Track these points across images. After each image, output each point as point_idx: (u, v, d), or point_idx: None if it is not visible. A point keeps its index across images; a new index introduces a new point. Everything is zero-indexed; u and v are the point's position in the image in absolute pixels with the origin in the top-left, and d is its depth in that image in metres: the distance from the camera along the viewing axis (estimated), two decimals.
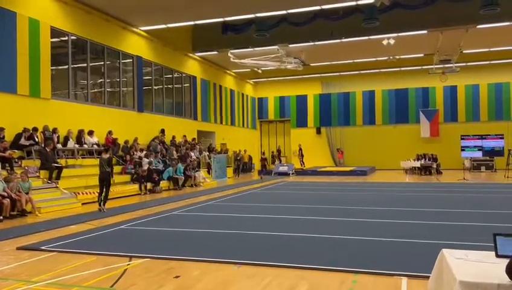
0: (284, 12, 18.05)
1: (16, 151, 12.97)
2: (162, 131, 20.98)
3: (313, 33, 20.36)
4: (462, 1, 16.90)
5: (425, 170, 25.61)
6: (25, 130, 13.38)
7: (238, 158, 26.98)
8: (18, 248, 7.01)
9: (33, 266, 5.95)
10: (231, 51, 22.72)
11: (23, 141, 13.31)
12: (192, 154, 21.10)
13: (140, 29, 19.53)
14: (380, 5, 15.38)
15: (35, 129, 13.64)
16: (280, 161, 31.35)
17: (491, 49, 24.08)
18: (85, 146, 15.65)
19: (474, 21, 18.52)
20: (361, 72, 29.94)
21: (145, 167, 16.56)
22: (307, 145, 31.88)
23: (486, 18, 17.73)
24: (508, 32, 20.22)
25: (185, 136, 23.01)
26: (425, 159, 26.23)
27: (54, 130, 14.46)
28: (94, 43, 17.19)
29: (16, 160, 12.69)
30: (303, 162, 30.55)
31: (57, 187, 12.90)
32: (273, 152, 33.84)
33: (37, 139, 13.66)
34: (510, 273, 2.88)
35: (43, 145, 13.54)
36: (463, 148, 27.66)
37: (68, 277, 5.36)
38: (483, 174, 25.42)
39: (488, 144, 27.17)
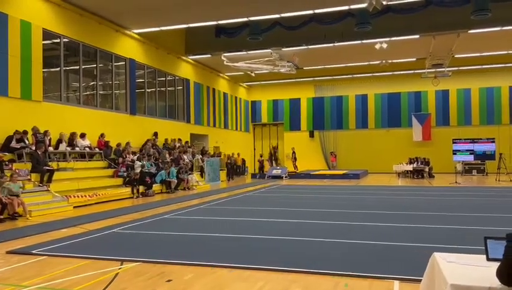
0: (277, 16, 18.12)
1: (6, 154, 12.85)
2: (155, 134, 20.92)
3: (306, 37, 20.46)
4: (454, 6, 17.07)
5: (417, 173, 25.76)
6: (17, 132, 13.24)
7: (229, 161, 26.81)
8: (8, 252, 6.92)
9: (23, 270, 5.88)
10: (224, 54, 22.73)
11: (13, 144, 13.18)
12: (185, 157, 21.02)
13: (133, 32, 19.47)
14: (372, 9, 15.46)
15: (25, 132, 13.50)
16: (273, 164, 31.32)
17: (483, 54, 24.32)
18: (77, 149, 15.55)
19: (465, 26, 18.71)
20: (354, 76, 30.09)
21: (138, 170, 16.48)
22: (301, 148, 31.94)
23: (478, 23, 17.93)
24: (499, 37, 20.44)
25: (180, 139, 22.94)
26: (417, 163, 26.39)
27: (46, 133, 14.34)
28: (86, 46, 17.11)
29: (7, 163, 12.56)
30: (296, 166, 30.57)
31: (48, 190, 12.79)
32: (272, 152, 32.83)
33: (27, 142, 13.54)
34: (500, 276, 2.89)
35: (33, 147, 13.42)
36: (455, 152, 27.86)
37: (59, 281, 5.31)
38: (475, 177, 25.62)
39: (480, 147, 27.39)
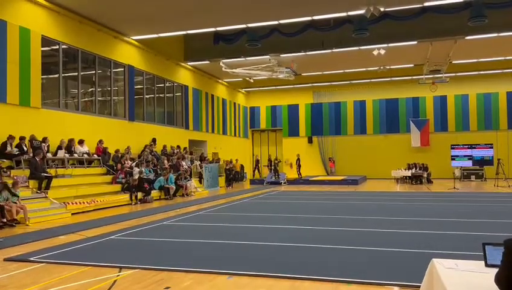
0: (275, 22, 18.21)
1: (4, 160, 12.82)
2: (154, 140, 20.91)
3: (304, 43, 20.58)
4: (451, 13, 17.19)
5: (416, 179, 25.76)
6: (10, 137, 13.13)
7: (228, 167, 26.71)
8: (6, 259, 6.89)
9: (21, 277, 5.86)
10: (223, 60, 22.81)
11: (10, 150, 13.13)
12: (183, 163, 21.00)
13: (132, 39, 19.53)
14: (370, 16, 15.55)
15: (22, 138, 13.45)
16: (271, 170, 31.22)
17: (480, 60, 24.45)
18: (75, 155, 15.52)
19: (462, 32, 18.85)
20: (352, 82, 30.19)
21: (136, 177, 16.45)
22: (299, 154, 31.88)
23: (475, 29, 18.07)
24: (496, 43, 20.57)
25: (178, 146, 22.91)
26: (415, 169, 26.39)
27: (44, 140, 14.31)
28: (85, 52, 17.15)
29: (5, 169, 12.53)
30: (300, 173, 30.36)
31: (47, 197, 12.74)
32: (276, 159, 31.76)
33: (25, 149, 13.50)
34: (499, 282, 2.89)
35: (31, 154, 13.39)
36: (453, 158, 27.90)
37: (56, 288, 5.29)
38: (473, 183, 25.64)
39: (478, 153, 27.44)
